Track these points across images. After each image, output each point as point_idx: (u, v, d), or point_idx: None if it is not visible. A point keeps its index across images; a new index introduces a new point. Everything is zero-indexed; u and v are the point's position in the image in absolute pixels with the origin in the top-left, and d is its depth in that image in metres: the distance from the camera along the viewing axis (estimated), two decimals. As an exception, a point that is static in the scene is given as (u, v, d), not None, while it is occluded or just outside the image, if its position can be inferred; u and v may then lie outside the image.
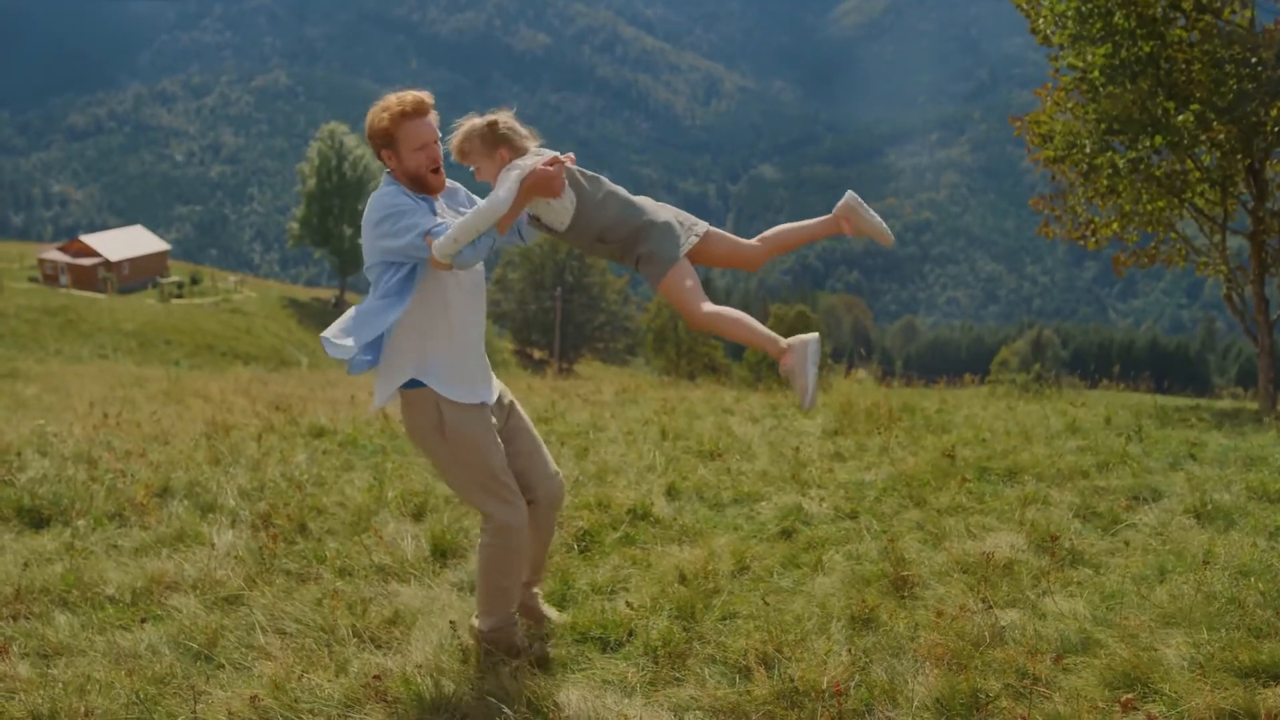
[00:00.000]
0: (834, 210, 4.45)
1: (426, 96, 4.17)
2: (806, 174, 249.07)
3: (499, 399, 4.46)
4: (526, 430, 4.55)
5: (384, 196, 4.07)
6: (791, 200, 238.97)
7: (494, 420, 4.34)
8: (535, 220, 4.25)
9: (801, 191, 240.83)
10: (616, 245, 4.21)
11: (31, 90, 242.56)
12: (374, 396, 4.27)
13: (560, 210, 4.15)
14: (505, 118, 4.15)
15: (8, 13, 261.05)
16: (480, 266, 4.27)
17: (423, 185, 4.16)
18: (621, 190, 4.25)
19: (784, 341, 4.10)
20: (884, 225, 4.43)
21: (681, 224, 4.25)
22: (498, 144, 4.10)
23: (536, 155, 4.10)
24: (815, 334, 4.06)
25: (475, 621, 4.40)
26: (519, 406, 4.58)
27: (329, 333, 4.03)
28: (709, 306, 4.13)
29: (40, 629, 4.50)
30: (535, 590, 4.69)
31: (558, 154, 4.12)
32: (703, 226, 4.29)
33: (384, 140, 4.11)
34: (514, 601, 4.38)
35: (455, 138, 4.16)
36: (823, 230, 4.49)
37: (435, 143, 4.16)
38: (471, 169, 4.20)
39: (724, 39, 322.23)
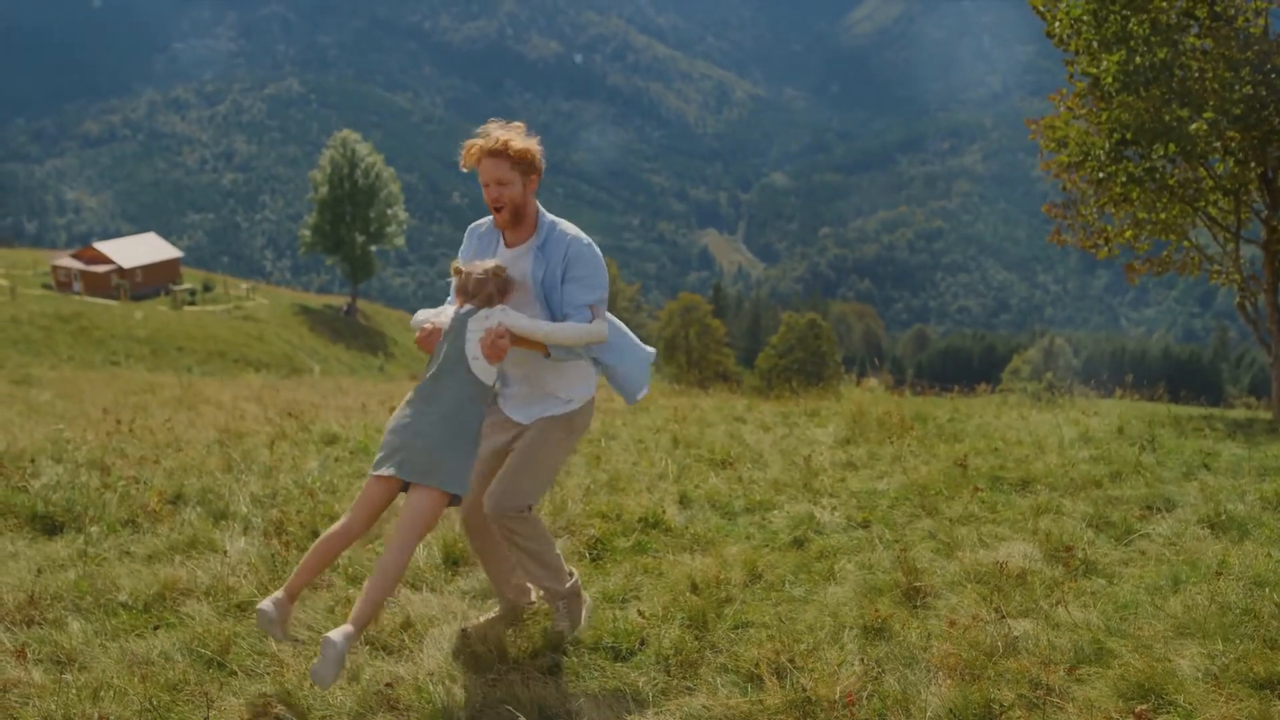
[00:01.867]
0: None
1: (512, 140, 4.33)
2: (818, 181, 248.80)
3: None
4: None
5: (596, 251, 4.55)
6: (803, 208, 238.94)
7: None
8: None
9: (813, 199, 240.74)
10: None
11: (45, 97, 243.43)
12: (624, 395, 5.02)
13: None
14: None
15: (21, 20, 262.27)
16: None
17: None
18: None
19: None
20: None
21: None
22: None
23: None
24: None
25: (545, 593, 4.66)
26: None
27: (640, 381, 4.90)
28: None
29: (54, 635, 4.50)
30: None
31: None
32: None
33: (537, 167, 4.44)
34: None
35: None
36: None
37: (493, 184, 4.34)
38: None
39: (736, 47, 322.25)
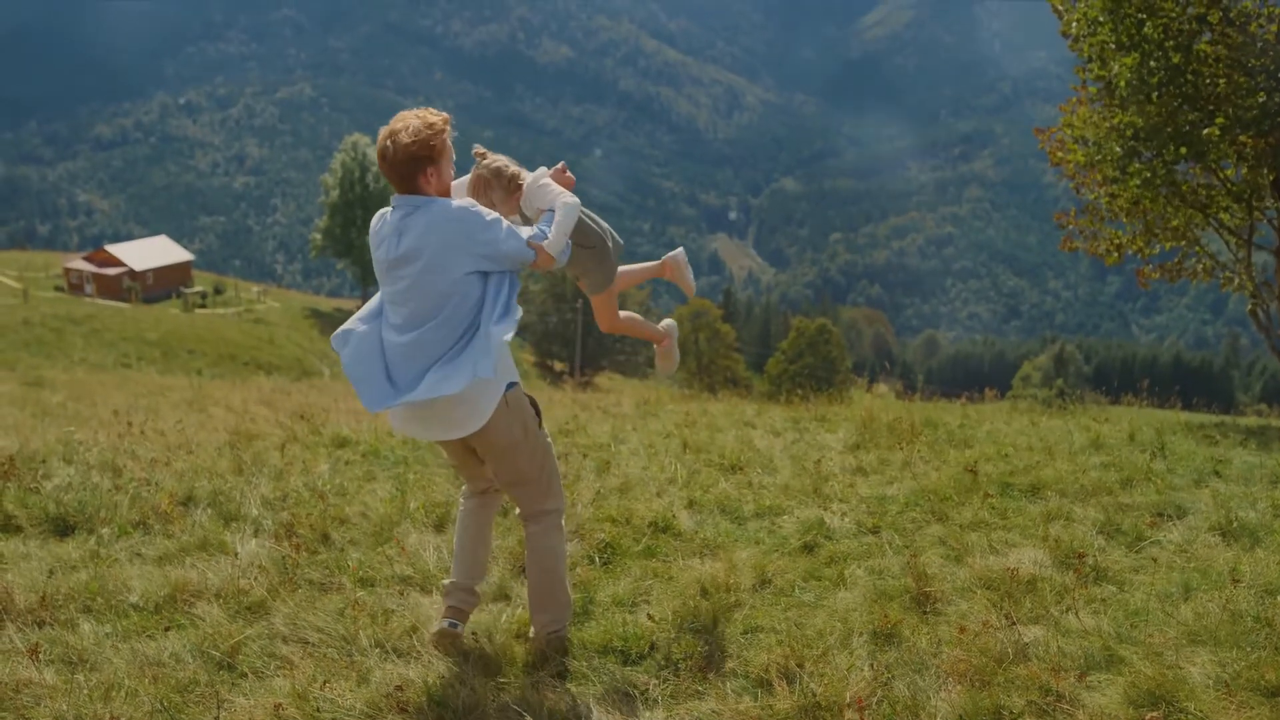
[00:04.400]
0: (663, 258, 5.53)
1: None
2: (829, 187, 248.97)
3: None
4: None
5: (461, 210, 4.09)
6: (813, 213, 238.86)
7: None
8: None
9: (823, 204, 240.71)
10: (588, 252, 4.76)
11: (58, 101, 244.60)
12: (472, 413, 4.20)
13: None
14: (508, 161, 4.59)
15: (35, 24, 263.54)
16: None
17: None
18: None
19: (662, 328, 5.60)
20: (693, 284, 5.61)
21: (616, 242, 4.93)
22: (515, 190, 4.55)
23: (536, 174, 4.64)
24: (680, 250, 5.55)
25: (549, 628, 4.46)
26: None
27: (472, 390, 4.09)
28: (622, 313, 5.31)
29: (65, 636, 4.52)
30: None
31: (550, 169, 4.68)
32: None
33: (433, 159, 4.12)
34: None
35: (476, 179, 4.51)
36: (651, 273, 5.49)
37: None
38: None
39: (746, 52, 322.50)
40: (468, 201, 4.15)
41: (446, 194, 4.23)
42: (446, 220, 4.04)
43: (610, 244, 4.82)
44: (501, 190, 4.44)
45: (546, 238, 4.24)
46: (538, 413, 4.44)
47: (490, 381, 4.08)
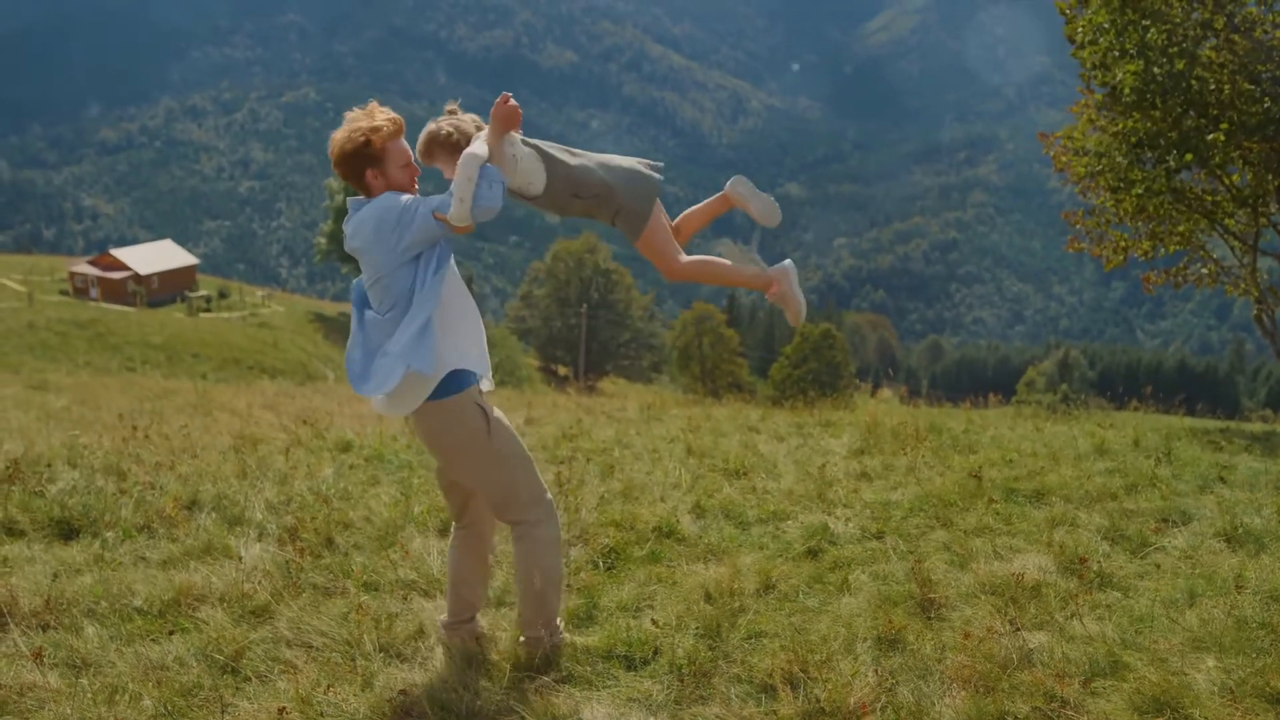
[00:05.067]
0: (724, 188, 4.72)
1: (399, 117, 4.33)
2: (833, 192, 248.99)
3: None
4: None
5: (382, 203, 4.14)
6: (818, 218, 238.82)
7: None
8: (512, 193, 4.35)
9: (827, 209, 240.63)
10: (591, 201, 4.35)
11: (63, 105, 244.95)
12: (400, 402, 4.29)
13: (530, 173, 4.26)
14: (457, 121, 4.34)
15: (41, 28, 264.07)
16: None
17: None
18: (588, 153, 4.41)
19: (770, 272, 4.49)
20: (769, 204, 4.68)
21: (648, 169, 4.42)
22: (459, 147, 4.23)
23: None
24: (789, 260, 4.54)
25: (524, 632, 4.47)
26: None
27: (390, 384, 4.10)
28: (685, 257, 4.45)
29: (69, 640, 4.52)
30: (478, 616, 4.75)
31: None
32: (659, 172, 4.46)
33: (372, 160, 4.20)
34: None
35: (420, 143, 4.33)
36: (716, 207, 4.79)
37: (412, 160, 4.32)
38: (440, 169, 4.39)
39: (751, 57, 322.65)
40: (383, 196, 4.17)
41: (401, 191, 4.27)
42: (367, 219, 4.12)
43: (619, 186, 4.31)
44: (443, 153, 4.34)
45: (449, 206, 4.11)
46: (488, 421, 4.29)
47: (416, 376, 4.14)
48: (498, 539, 5.86)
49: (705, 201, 4.76)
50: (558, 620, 4.52)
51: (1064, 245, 14.69)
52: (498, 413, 4.39)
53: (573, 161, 4.32)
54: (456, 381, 4.24)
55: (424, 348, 4.04)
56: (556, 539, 4.44)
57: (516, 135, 4.23)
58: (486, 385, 4.49)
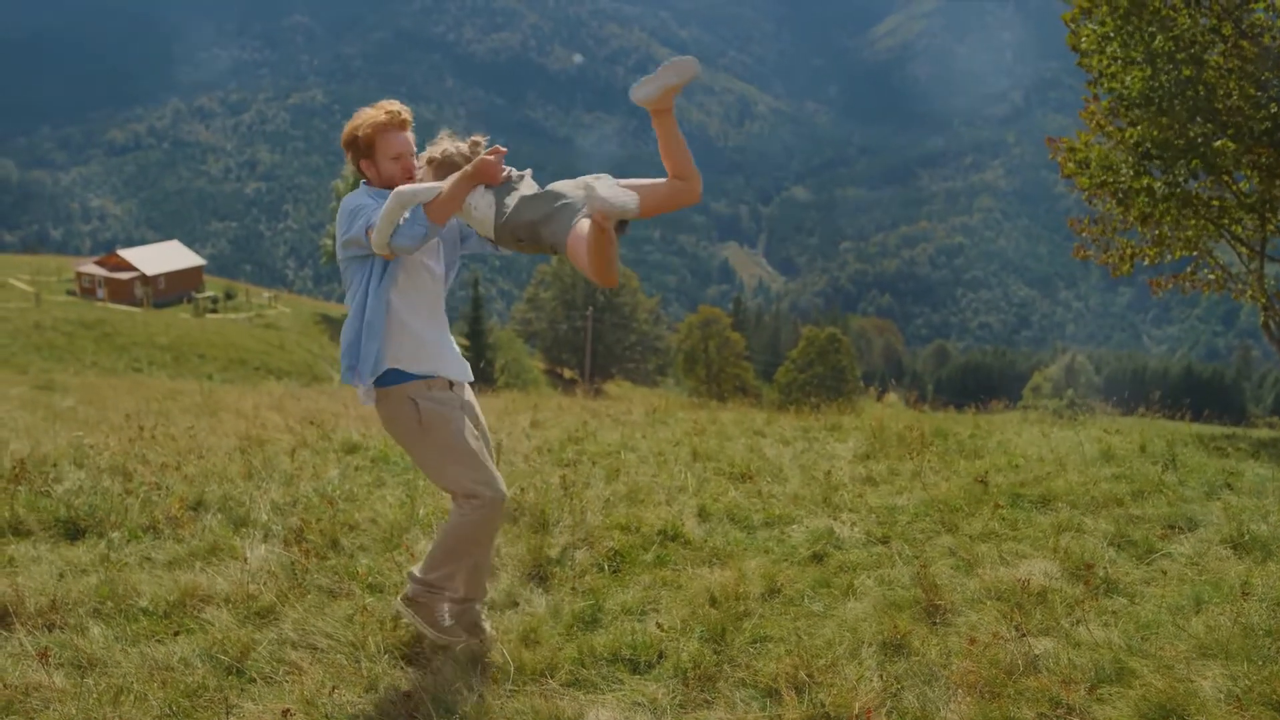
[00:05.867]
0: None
1: (405, 111, 4.44)
2: (839, 196, 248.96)
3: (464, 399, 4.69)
4: (481, 436, 4.74)
5: (350, 199, 4.34)
6: (823, 222, 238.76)
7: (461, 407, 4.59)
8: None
9: (834, 213, 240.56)
10: (528, 243, 4.36)
11: (72, 106, 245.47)
12: (363, 394, 4.49)
13: (481, 223, 4.36)
14: (454, 149, 4.43)
15: (49, 29, 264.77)
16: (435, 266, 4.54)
17: None
18: (535, 188, 4.37)
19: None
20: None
21: (585, 193, 4.14)
22: (446, 170, 4.39)
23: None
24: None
25: (419, 592, 4.57)
26: (478, 410, 4.81)
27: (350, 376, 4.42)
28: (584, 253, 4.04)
29: (75, 640, 4.53)
30: (478, 607, 4.74)
31: (491, 145, 4.35)
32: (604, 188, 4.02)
33: (363, 150, 4.38)
34: (473, 580, 4.60)
35: (422, 155, 4.49)
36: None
37: (410, 155, 4.43)
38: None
39: (758, 60, 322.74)
40: (354, 193, 4.38)
41: (385, 186, 4.42)
42: (340, 207, 4.34)
43: (540, 221, 4.18)
44: (432, 171, 4.43)
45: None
46: (419, 413, 4.41)
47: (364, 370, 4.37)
48: (500, 540, 5.87)
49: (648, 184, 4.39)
50: (447, 608, 4.58)
51: (1070, 251, 14.66)
52: (439, 406, 4.46)
53: (522, 207, 4.27)
54: (396, 376, 4.41)
55: (361, 349, 4.34)
56: (479, 528, 4.45)
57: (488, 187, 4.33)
58: (447, 377, 4.54)
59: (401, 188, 4.13)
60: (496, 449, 8.33)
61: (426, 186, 4.18)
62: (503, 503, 4.46)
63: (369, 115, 4.39)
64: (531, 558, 5.61)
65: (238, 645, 4.50)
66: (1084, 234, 13.98)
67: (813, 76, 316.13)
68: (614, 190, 3.86)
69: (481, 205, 4.32)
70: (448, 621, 4.57)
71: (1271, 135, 11.64)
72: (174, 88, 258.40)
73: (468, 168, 4.22)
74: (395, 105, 4.43)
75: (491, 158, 4.22)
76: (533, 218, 4.23)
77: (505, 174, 4.36)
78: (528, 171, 4.45)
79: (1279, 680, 3.92)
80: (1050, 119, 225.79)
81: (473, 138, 4.52)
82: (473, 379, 4.75)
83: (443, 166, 4.38)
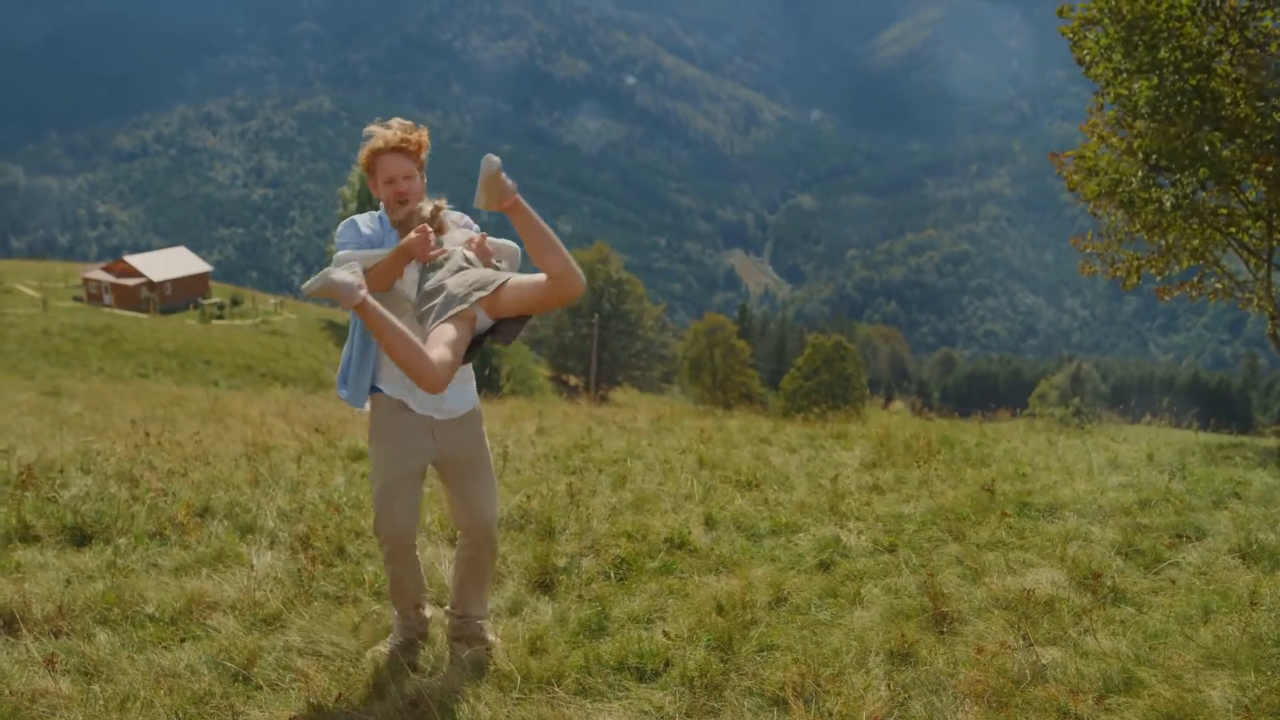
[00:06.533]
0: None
1: (402, 132, 4.35)
2: (845, 204, 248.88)
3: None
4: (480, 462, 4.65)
5: (342, 229, 4.44)
6: (829, 230, 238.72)
7: (430, 439, 4.47)
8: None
9: (840, 221, 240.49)
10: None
11: (79, 112, 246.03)
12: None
13: (405, 295, 4.40)
14: (425, 211, 4.39)
15: (56, 37, 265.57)
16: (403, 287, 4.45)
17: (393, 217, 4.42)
18: (457, 269, 4.21)
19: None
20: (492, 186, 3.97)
21: (464, 291, 4.08)
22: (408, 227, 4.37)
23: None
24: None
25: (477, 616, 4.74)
26: (464, 435, 4.62)
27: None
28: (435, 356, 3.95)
29: (81, 646, 4.53)
30: (477, 620, 4.74)
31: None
32: (479, 295, 4.05)
33: (368, 172, 4.41)
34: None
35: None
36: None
37: (404, 178, 4.34)
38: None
39: (764, 68, 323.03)
40: (348, 221, 4.47)
41: (387, 209, 4.45)
42: None
43: (422, 310, 4.16)
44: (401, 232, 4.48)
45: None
46: (372, 427, 4.54)
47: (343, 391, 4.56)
48: (507, 548, 5.87)
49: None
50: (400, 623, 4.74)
51: (1077, 264, 14.62)
52: (387, 430, 4.46)
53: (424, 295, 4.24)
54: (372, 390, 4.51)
55: (351, 370, 4.53)
56: (387, 556, 4.55)
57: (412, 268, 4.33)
58: (412, 407, 4.46)
59: (344, 254, 4.23)
60: (502, 456, 8.34)
61: (372, 254, 4.25)
62: (390, 541, 4.48)
63: (372, 138, 4.37)
64: (538, 565, 5.60)
65: (244, 652, 4.50)
66: (1089, 250, 13.96)
67: (819, 84, 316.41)
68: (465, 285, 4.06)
69: (407, 282, 4.38)
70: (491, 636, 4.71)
71: (1278, 143, 11.62)
72: (181, 94, 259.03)
73: (403, 240, 4.20)
74: (393, 127, 4.37)
75: (415, 236, 4.15)
76: (421, 308, 4.20)
77: (439, 252, 4.20)
78: (458, 250, 4.25)
79: (1288, 690, 3.91)
80: (1057, 127, 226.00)
81: (435, 202, 4.43)
82: (455, 414, 4.53)
83: (405, 225, 4.38)
